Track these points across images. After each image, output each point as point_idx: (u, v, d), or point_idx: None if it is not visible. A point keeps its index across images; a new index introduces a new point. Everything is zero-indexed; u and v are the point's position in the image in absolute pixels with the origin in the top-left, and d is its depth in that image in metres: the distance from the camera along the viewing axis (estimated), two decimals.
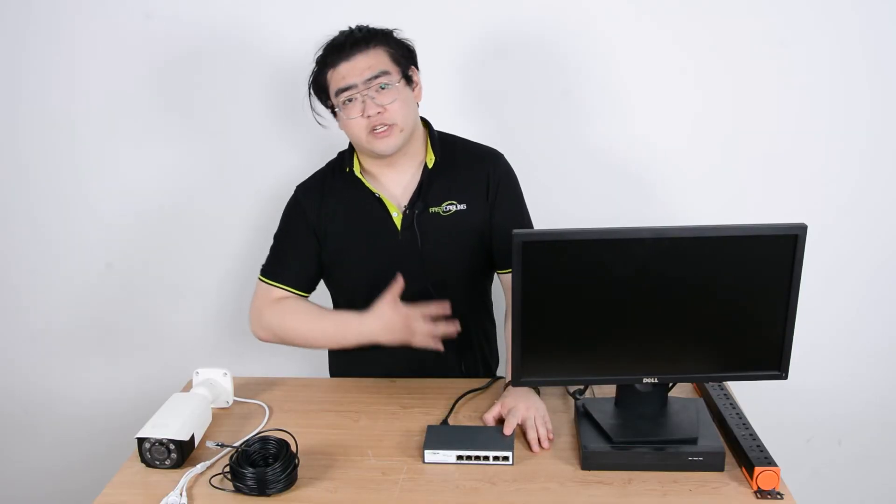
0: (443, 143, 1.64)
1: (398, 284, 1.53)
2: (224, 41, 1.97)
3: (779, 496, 1.25)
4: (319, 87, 1.57)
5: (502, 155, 1.67)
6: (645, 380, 1.38)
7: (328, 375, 1.83)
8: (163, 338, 2.23)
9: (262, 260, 2.13)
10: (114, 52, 1.98)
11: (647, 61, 1.93)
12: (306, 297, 1.69)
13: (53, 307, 2.22)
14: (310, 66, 1.56)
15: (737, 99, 1.95)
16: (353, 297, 1.67)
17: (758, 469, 1.26)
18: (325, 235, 1.64)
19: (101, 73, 2.00)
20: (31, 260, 2.18)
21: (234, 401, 1.60)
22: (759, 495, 1.25)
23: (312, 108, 1.61)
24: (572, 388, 1.55)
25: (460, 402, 1.58)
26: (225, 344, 2.21)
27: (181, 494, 1.28)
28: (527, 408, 1.46)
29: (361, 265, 1.65)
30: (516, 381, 1.38)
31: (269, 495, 1.28)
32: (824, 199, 2.01)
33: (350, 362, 1.75)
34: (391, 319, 1.53)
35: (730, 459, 1.34)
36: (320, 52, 1.55)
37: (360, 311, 1.56)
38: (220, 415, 1.56)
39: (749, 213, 1.99)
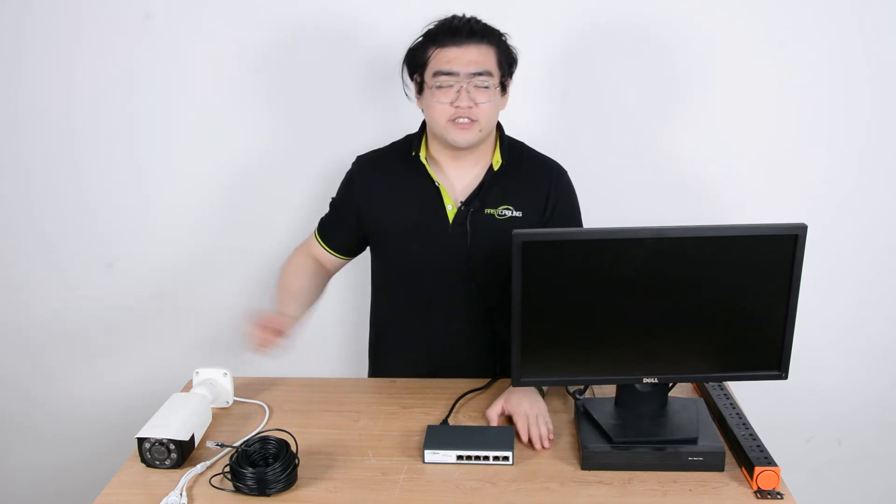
0: (511, 148, 1.65)
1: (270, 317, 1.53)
2: (222, 41, 1.97)
3: (779, 496, 1.25)
4: (417, 60, 1.55)
5: (566, 171, 1.68)
6: (645, 380, 1.38)
7: (335, 376, 1.82)
8: (163, 338, 2.23)
9: (261, 260, 2.15)
10: (114, 52, 1.98)
11: (646, 61, 1.93)
12: (343, 260, 1.74)
13: (53, 307, 2.22)
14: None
15: (736, 99, 1.95)
16: (391, 280, 1.70)
17: (758, 469, 1.26)
18: (376, 214, 1.65)
19: (102, 73, 2.00)
20: (31, 260, 2.18)
21: (234, 401, 1.60)
22: (759, 495, 1.26)
23: (403, 82, 1.61)
24: (572, 388, 1.55)
25: (460, 402, 1.58)
26: (225, 344, 2.21)
27: (181, 494, 1.28)
28: (530, 405, 1.46)
29: (406, 249, 1.65)
30: (516, 381, 1.38)
31: (269, 495, 1.28)
32: (824, 199, 2.01)
33: (388, 363, 1.77)
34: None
35: (730, 459, 1.34)
36: (431, 27, 1.54)
37: (285, 303, 1.61)
38: (220, 415, 1.56)
39: (749, 213, 1.99)
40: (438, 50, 1.51)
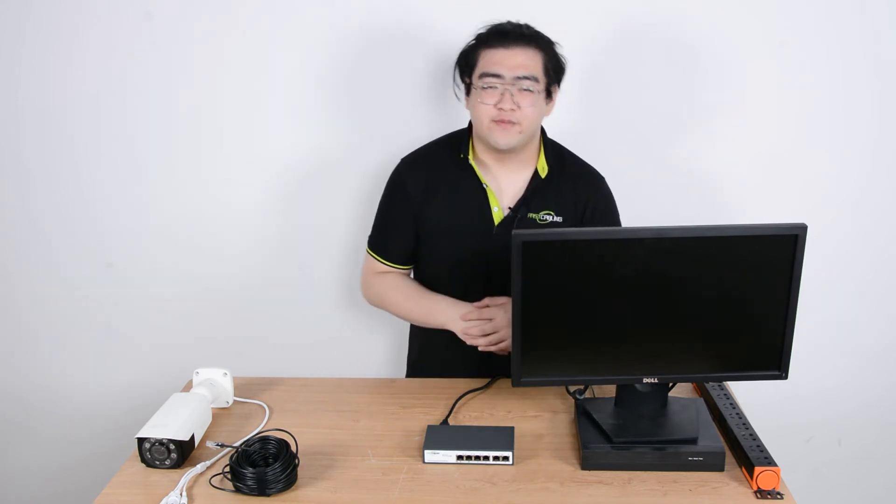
0: (556, 154, 1.67)
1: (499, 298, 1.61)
2: (222, 41, 1.97)
3: (779, 496, 1.25)
4: (468, 61, 1.58)
5: (605, 179, 1.70)
6: (645, 380, 1.38)
7: (334, 376, 1.82)
8: (163, 338, 2.23)
9: (259, 261, 2.15)
10: (114, 52, 1.98)
11: (646, 61, 1.93)
12: (407, 269, 1.77)
13: (53, 307, 2.22)
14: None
15: (736, 99, 1.95)
16: (435, 278, 1.71)
17: (758, 469, 1.26)
18: (424, 213, 1.67)
19: (101, 73, 2.00)
20: (31, 260, 2.18)
21: (234, 401, 1.60)
22: (759, 495, 1.26)
23: (454, 81, 1.63)
24: (572, 388, 1.55)
25: (460, 402, 1.58)
26: (225, 344, 2.21)
27: (181, 494, 1.28)
28: (502, 325, 1.56)
29: (450, 249, 1.67)
30: (516, 381, 1.38)
31: (269, 495, 1.28)
32: (824, 199, 2.01)
33: (429, 363, 1.80)
34: (462, 313, 1.62)
35: (730, 459, 1.34)
36: (483, 31, 1.56)
37: (453, 299, 1.66)
38: (220, 415, 1.56)
39: (749, 213, 1.99)
40: (488, 51, 1.54)
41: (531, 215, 1.63)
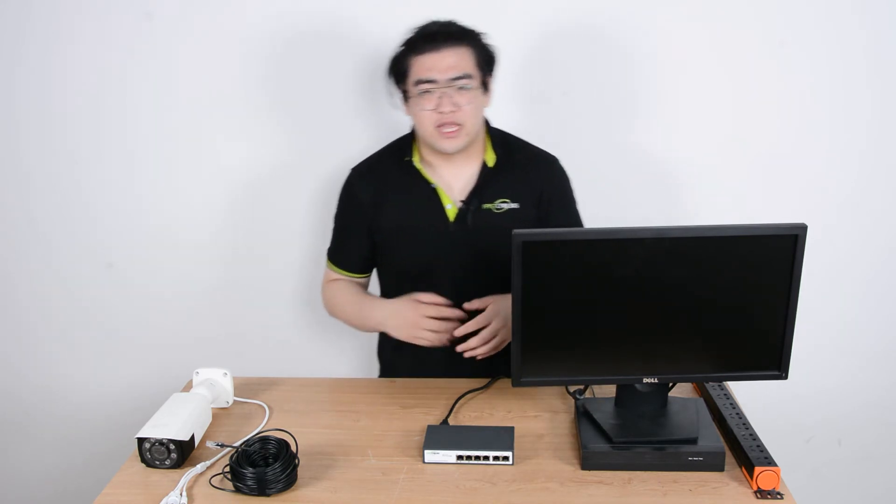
0: (502, 143, 1.66)
1: (433, 296, 1.60)
2: (222, 43, 1.97)
3: (779, 496, 1.25)
4: (399, 69, 1.57)
5: (557, 159, 1.69)
6: (645, 380, 1.38)
7: (334, 376, 1.82)
8: (163, 338, 2.23)
9: (259, 262, 2.15)
10: (113, 52, 1.98)
11: (646, 61, 1.93)
12: (362, 278, 1.76)
13: (53, 307, 2.22)
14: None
15: (737, 99, 1.95)
16: (397, 285, 1.71)
17: (758, 469, 1.26)
18: (378, 220, 1.67)
19: (101, 73, 2.00)
20: (30, 260, 2.18)
21: (234, 401, 1.60)
22: (759, 495, 1.26)
23: (388, 91, 1.62)
24: (572, 388, 1.55)
25: (460, 402, 1.58)
26: (225, 344, 2.21)
27: (181, 494, 1.28)
28: (504, 323, 1.55)
29: (409, 253, 1.67)
30: (516, 381, 1.38)
31: (269, 495, 1.28)
32: (824, 199, 2.01)
33: (399, 363, 1.79)
34: (400, 311, 1.60)
35: (730, 459, 1.34)
36: (410, 36, 1.55)
37: (380, 299, 1.67)
38: (220, 415, 1.56)
39: (749, 213, 1.99)
40: (417, 57, 1.53)
41: (486, 206, 1.62)
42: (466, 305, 1.61)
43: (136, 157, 2.07)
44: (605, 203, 2.02)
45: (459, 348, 1.58)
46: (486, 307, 1.59)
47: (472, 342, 1.57)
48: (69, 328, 2.24)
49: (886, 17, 1.87)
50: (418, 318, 1.59)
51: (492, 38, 1.59)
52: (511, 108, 1.97)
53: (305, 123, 2.02)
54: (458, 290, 1.63)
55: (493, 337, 1.58)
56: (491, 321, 1.57)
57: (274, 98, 2.01)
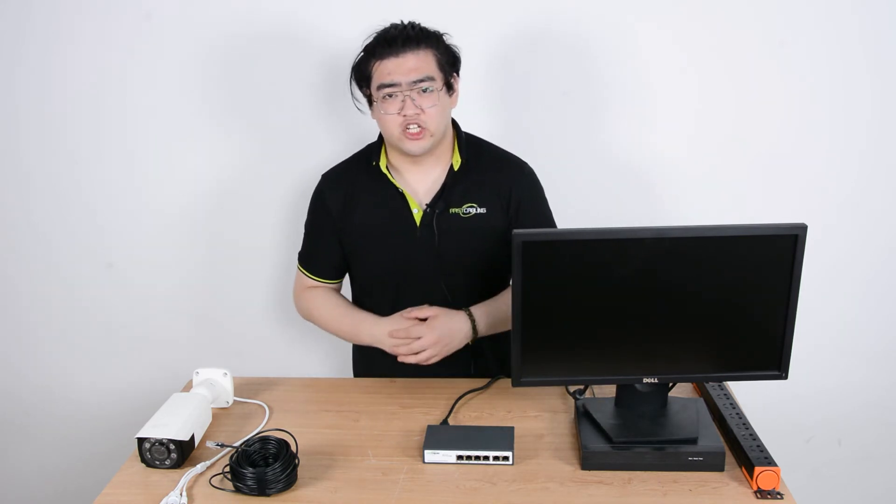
0: (469, 146, 1.65)
1: (425, 308, 1.60)
2: (220, 43, 1.97)
3: (779, 496, 1.25)
4: (362, 74, 1.56)
5: (527, 164, 1.68)
6: (645, 380, 1.38)
7: (330, 375, 1.83)
8: (163, 338, 2.23)
9: (259, 262, 2.15)
10: (113, 53, 1.98)
11: (646, 61, 1.93)
12: (336, 284, 1.77)
13: (53, 307, 2.22)
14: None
15: (737, 99, 1.95)
16: (369, 289, 1.71)
17: (758, 469, 1.26)
18: (347, 226, 1.67)
19: (101, 73, 2.00)
20: (30, 260, 2.18)
21: (234, 401, 1.60)
22: (759, 495, 1.26)
23: (353, 95, 1.61)
24: (572, 388, 1.55)
25: (460, 402, 1.58)
26: (225, 344, 2.21)
27: (181, 494, 1.28)
28: (436, 340, 1.56)
29: (378, 259, 1.67)
30: (516, 381, 1.38)
31: (269, 495, 1.28)
32: (824, 199, 2.01)
33: (372, 366, 1.77)
34: (388, 330, 1.61)
35: (730, 459, 1.34)
36: (370, 41, 1.54)
37: (377, 316, 1.65)
38: (220, 415, 1.56)
39: (749, 213, 1.99)
40: (378, 62, 1.52)
41: (453, 210, 1.62)
42: (405, 313, 1.61)
43: (135, 157, 2.07)
44: (605, 203, 2.03)
45: (389, 348, 1.60)
46: (428, 318, 1.59)
47: (401, 349, 1.59)
48: (69, 328, 2.24)
49: (886, 17, 1.87)
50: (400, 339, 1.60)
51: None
52: (511, 108, 1.98)
53: (303, 123, 2.02)
54: (425, 295, 1.63)
55: (422, 351, 1.57)
56: (423, 335, 1.57)
57: (271, 101, 2.01)
